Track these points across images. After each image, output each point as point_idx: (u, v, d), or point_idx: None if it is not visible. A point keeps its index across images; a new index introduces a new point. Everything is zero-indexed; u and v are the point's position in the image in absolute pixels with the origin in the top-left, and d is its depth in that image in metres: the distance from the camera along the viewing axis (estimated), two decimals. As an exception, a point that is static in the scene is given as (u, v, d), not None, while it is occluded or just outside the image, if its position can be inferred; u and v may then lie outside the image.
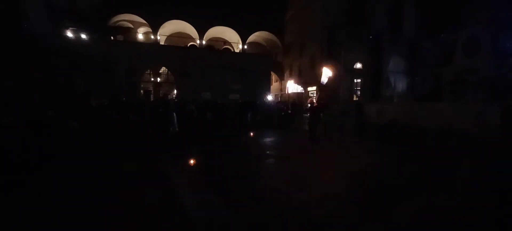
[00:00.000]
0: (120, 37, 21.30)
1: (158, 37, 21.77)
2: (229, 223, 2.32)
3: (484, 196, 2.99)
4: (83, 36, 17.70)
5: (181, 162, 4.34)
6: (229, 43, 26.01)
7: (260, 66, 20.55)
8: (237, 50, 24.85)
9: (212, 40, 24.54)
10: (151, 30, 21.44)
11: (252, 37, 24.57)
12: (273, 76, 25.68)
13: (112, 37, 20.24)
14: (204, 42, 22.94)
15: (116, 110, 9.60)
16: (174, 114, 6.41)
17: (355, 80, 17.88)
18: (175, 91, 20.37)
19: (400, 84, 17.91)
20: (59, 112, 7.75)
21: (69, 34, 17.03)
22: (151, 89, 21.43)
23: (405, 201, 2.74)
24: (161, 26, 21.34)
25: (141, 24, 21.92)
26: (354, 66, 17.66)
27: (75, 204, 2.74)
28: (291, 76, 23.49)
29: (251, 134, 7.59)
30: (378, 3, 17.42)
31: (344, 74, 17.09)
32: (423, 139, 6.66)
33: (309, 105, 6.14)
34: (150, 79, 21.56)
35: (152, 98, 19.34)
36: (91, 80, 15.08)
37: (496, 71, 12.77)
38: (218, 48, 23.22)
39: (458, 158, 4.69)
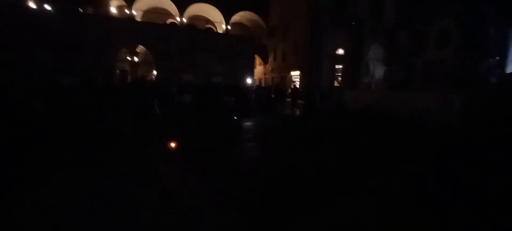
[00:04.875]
0: (89, 10, 19.36)
1: (134, 12, 20.18)
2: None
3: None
4: (47, 7, 15.89)
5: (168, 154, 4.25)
6: (212, 23, 24.92)
7: (244, 48, 20.06)
8: (220, 31, 23.96)
9: (194, 18, 23.30)
10: (125, 4, 19.74)
11: (236, 17, 23.73)
12: (257, 60, 25.41)
13: (80, 10, 18.35)
14: (184, 20, 21.72)
15: (90, 92, 9.03)
16: (155, 100, 6.19)
17: (337, 66, 18.38)
18: (155, 72, 19.43)
19: (378, 72, 18.72)
20: (28, 92, 7.12)
21: (31, 4, 15.22)
22: (128, 69, 20.21)
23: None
24: (137, 0, 19.73)
25: (114, -4, 20.08)
26: (336, 52, 18.06)
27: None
28: (275, 60, 23.44)
29: (235, 118, 7.62)
30: (361, -10, 17.58)
31: (326, 59, 17.46)
32: (387, 123, 7.32)
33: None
34: (127, 59, 20.23)
35: (129, 79, 18.32)
36: (57, 57, 13.77)
37: (462, 63, 13.81)
38: (200, 28, 22.16)
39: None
